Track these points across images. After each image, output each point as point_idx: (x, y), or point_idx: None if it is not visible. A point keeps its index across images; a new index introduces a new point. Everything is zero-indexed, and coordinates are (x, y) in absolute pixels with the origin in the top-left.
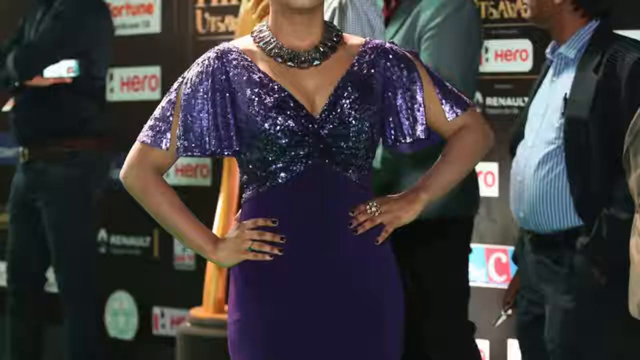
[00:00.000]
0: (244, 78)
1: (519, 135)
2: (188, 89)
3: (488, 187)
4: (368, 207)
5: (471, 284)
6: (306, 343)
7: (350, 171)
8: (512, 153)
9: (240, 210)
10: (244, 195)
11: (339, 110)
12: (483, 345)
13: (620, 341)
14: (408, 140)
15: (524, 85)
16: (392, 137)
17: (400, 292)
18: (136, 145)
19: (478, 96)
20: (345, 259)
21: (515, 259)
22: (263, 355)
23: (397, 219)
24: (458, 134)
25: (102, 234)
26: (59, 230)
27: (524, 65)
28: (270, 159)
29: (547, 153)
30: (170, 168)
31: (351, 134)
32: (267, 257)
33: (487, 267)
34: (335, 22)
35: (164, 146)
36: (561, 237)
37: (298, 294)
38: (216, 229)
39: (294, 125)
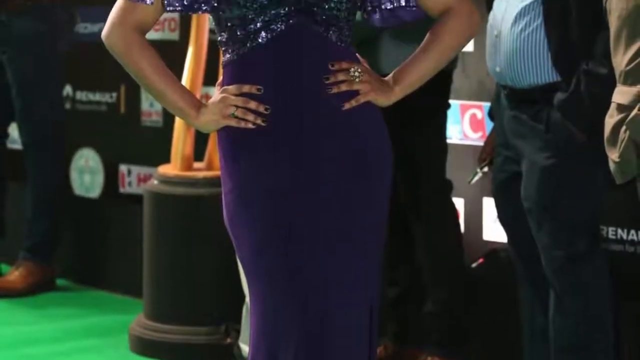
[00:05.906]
0: None
1: None
2: None
3: None
4: (353, 69)
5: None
6: (300, 209)
7: (331, 32)
8: (489, 6)
9: (221, 76)
10: (223, 59)
11: None
12: (458, 203)
13: (597, 199)
14: (389, 6)
15: None
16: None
17: (389, 151)
18: (119, 3)
19: None
20: (327, 117)
21: (491, 115)
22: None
23: (373, 93)
24: (442, 18)
25: (68, 89)
26: (25, 85)
27: None
28: (250, 17)
29: (524, 6)
30: (153, 25)
31: None
32: (250, 125)
33: (462, 124)
34: None
35: (148, 1)
36: (538, 92)
37: (282, 158)
38: (184, 82)
39: None
